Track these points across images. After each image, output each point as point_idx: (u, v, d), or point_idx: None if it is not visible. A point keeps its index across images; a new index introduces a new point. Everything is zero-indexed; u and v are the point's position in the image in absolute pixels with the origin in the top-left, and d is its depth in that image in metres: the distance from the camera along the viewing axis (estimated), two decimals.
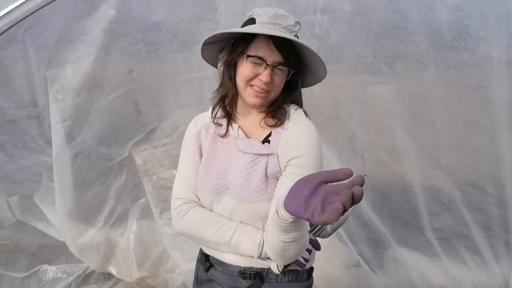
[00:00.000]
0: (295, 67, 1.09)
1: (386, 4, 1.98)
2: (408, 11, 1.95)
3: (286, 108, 1.15)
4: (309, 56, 1.08)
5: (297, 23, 1.06)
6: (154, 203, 2.17)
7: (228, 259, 1.14)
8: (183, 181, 1.15)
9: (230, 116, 1.16)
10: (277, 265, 1.08)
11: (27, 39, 1.84)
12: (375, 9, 1.95)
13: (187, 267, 2.12)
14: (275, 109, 1.13)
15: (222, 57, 1.13)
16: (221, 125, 1.15)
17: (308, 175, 0.75)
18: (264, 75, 1.01)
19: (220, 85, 1.15)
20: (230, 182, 1.09)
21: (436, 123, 2.07)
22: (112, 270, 2.33)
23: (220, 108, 1.16)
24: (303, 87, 1.22)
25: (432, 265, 2.19)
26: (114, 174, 2.19)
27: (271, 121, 1.12)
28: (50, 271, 2.32)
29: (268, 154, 1.07)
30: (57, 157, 2.01)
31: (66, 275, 2.31)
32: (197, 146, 1.15)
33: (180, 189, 1.15)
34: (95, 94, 1.99)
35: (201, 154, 1.15)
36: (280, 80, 1.06)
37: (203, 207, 1.13)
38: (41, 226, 2.33)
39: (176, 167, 2.14)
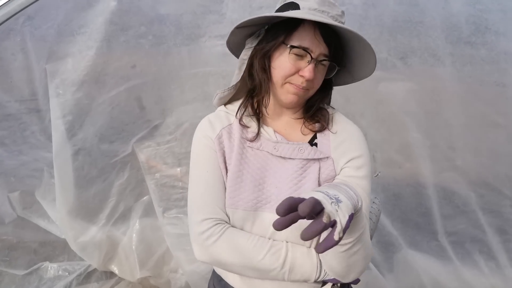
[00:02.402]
0: (340, 63, 0.96)
1: None
2: (424, 4, 1.85)
3: (327, 110, 1.04)
4: (355, 51, 0.95)
5: (343, 13, 0.93)
6: (157, 201, 2.11)
7: None
8: (209, 196, 0.94)
9: (259, 116, 1.02)
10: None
11: (26, 31, 1.77)
12: (389, 2, 1.86)
13: (191, 267, 2.07)
14: (316, 111, 1.02)
15: (251, 44, 0.97)
16: (247, 127, 1.00)
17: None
18: (308, 70, 0.88)
19: (242, 78, 1.00)
20: (271, 195, 0.93)
21: (451, 122, 1.98)
22: (114, 269, 2.28)
23: (247, 106, 1.02)
24: (334, 85, 1.09)
25: (444, 269, 2.11)
26: (116, 171, 2.13)
27: (313, 126, 1.01)
28: (51, 268, 2.27)
29: (320, 159, 0.95)
30: (57, 153, 1.95)
31: (67, 273, 2.26)
32: (221, 153, 0.96)
33: (206, 207, 0.93)
34: (96, 89, 1.92)
35: (225, 163, 0.96)
36: (321, 77, 0.94)
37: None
38: (42, 223, 2.29)
39: (179, 165, 2.13)
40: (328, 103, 1.09)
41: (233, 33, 0.96)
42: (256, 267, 0.89)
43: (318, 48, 0.89)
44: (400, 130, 2.00)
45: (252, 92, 1.02)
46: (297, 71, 0.91)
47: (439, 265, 2.11)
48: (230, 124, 1.00)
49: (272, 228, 0.85)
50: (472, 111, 1.99)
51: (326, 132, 1.00)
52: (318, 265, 0.89)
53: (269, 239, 0.92)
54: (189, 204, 0.97)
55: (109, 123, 2.04)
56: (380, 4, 1.85)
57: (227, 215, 0.94)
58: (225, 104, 1.07)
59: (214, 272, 1.13)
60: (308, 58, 0.89)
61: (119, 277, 2.28)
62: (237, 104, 1.04)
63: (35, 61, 1.86)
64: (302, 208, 0.60)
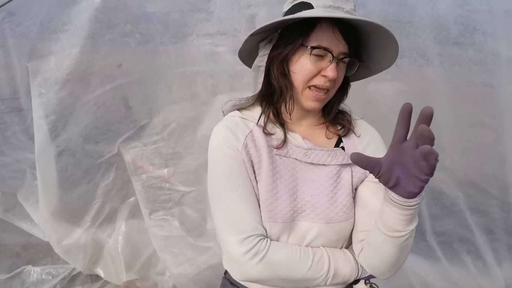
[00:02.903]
0: (360, 58, 0.94)
1: None
2: (413, 4, 1.85)
3: (347, 112, 1.03)
4: (373, 43, 0.93)
5: (355, 6, 0.91)
6: (143, 203, 2.07)
7: None
8: (247, 212, 0.88)
9: (282, 122, 0.98)
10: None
11: (6, 28, 1.72)
12: (378, 1, 1.85)
13: (178, 270, 2.03)
14: (337, 114, 1.00)
15: (265, 50, 0.94)
16: (271, 134, 0.95)
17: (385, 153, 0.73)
18: (330, 69, 0.86)
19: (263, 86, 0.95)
20: (306, 203, 0.92)
21: (440, 122, 1.98)
22: (100, 272, 2.23)
23: (268, 113, 0.97)
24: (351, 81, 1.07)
25: (432, 270, 2.11)
26: (102, 172, 2.08)
27: (337, 130, 1.00)
28: (34, 272, 2.21)
29: (352, 163, 0.91)
30: (40, 154, 1.90)
31: (51, 277, 2.20)
32: (250, 164, 0.91)
33: (245, 224, 0.87)
34: (81, 88, 1.87)
35: (254, 174, 0.92)
36: (342, 74, 0.92)
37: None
38: (25, 226, 2.22)
39: (167, 166, 2.09)
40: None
41: (246, 41, 0.93)
42: (303, 278, 0.87)
43: (338, 46, 0.87)
44: (389, 130, 1.96)
45: (272, 98, 0.98)
46: (318, 72, 0.88)
47: (427, 265, 2.11)
48: (251, 131, 0.96)
49: (309, 236, 0.90)
50: (460, 111, 2.00)
51: (351, 135, 1.00)
52: (356, 266, 0.91)
53: (307, 247, 0.91)
54: (220, 224, 0.90)
55: (94, 123, 1.99)
56: (369, 3, 1.85)
57: (264, 229, 0.89)
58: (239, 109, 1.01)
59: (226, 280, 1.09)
60: (329, 57, 0.87)
61: (105, 280, 2.23)
62: (254, 109, 0.99)
63: (16, 59, 1.80)
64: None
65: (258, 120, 0.96)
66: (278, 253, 0.87)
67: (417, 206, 0.73)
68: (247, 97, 0.97)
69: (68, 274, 2.22)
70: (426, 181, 0.67)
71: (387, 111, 1.93)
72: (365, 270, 0.93)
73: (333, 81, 0.89)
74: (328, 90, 0.91)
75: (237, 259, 0.86)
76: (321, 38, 0.86)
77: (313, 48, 0.86)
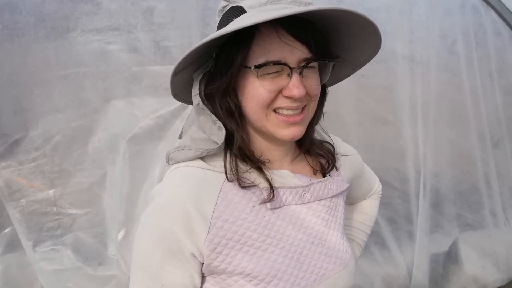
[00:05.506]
0: (332, 56, 0.71)
1: None
2: (314, 2, 1.81)
3: (328, 139, 0.84)
4: (343, 32, 0.70)
5: None
6: (25, 234, 1.71)
7: None
8: None
9: (258, 165, 0.72)
10: None
11: None
12: None
13: None
14: (315, 144, 0.80)
15: (201, 86, 0.70)
16: (252, 186, 0.70)
17: None
18: (293, 86, 0.64)
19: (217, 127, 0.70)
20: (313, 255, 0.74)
21: (346, 120, 2.00)
22: None
23: (237, 161, 0.71)
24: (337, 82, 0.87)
25: None
26: None
27: (318, 163, 0.82)
28: None
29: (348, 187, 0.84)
30: None
31: None
32: (223, 247, 0.66)
33: None
34: None
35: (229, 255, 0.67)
36: (316, 82, 0.69)
37: None
38: None
39: (52, 187, 1.76)
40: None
41: (172, 82, 0.70)
42: None
43: (293, 52, 0.64)
44: None
45: (231, 142, 0.72)
46: (278, 93, 0.66)
47: None
48: (221, 191, 0.69)
49: None
50: (364, 108, 2.04)
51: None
52: None
53: None
54: None
55: None
56: None
57: None
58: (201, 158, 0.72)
59: None
60: (287, 71, 0.65)
61: None
62: (219, 155, 0.72)
63: None
64: None
65: (227, 175, 0.69)
66: None
67: None
68: (212, 148, 0.69)
69: None
70: None
71: None
72: None
73: (304, 96, 0.66)
74: (303, 107, 0.69)
75: None
76: (266, 49, 0.64)
77: (258, 67, 0.64)
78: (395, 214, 2.27)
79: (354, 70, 0.82)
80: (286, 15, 0.57)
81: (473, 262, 2.33)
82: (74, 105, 1.63)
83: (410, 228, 2.29)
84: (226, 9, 0.70)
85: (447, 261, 2.34)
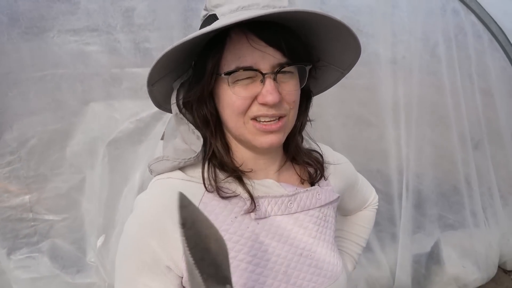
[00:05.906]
0: (309, 59, 0.69)
1: None
2: (299, 4, 1.80)
3: (316, 148, 0.81)
4: (323, 35, 0.67)
5: None
6: None
7: None
8: None
9: (238, 174, 0.70)
10: None
11: None
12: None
13: None
14: (303, 153, 0.77)
15: (180, 95, 0.70)
16: (231, 195, 0.68)
17: None
18: (267, 92, 0.62)
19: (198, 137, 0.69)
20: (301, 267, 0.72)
21: (330, 122, 2.00)
22: None
23: (216, 172, 0.69)
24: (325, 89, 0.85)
25: None
26: None
27: (306, 173, 0.78)
28: None
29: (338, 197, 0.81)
30: None
31: None
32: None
33: None
34: None
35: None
36: (293, 87, 0.66)
37: None
38: None
39: (28, 192, 1.70)
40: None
41: (151, 92, 0.69)
42: None
43: (265, 57, 0.62)
44: None
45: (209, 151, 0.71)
46: (253, 100, 0.64)
47: None
48: (201, 202, 0.67)
49: None
50: (347, 111, 2.04)
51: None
52: None
53: None
54: None
55: None
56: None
57: None
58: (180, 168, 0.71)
59: None
60: (259, 77, 0.63)
61: None
62: (198, 166, 0.70)
63: None
64: None
65: (205, 185, 0.68)
66: None
67: None
68: (189, 158, 0.69)
69: None
70: None
71: None
72: None
73: (280, 103, 0.64)
74: (282, 116, 0.66)
75: None
76: (237, 56, 0.63)
77: (228, 74, 0.63)
78: (378, 216, 2.24)
79: (343, 74, 0.79)
80: (250, 18, 0.56)
81: (454, 262, 2.36)
82: (51, 107, 1.58)
83: (393, 229, 2.30)
84: (205, 18, 0.70)
85: (429, 261, 2.37)
